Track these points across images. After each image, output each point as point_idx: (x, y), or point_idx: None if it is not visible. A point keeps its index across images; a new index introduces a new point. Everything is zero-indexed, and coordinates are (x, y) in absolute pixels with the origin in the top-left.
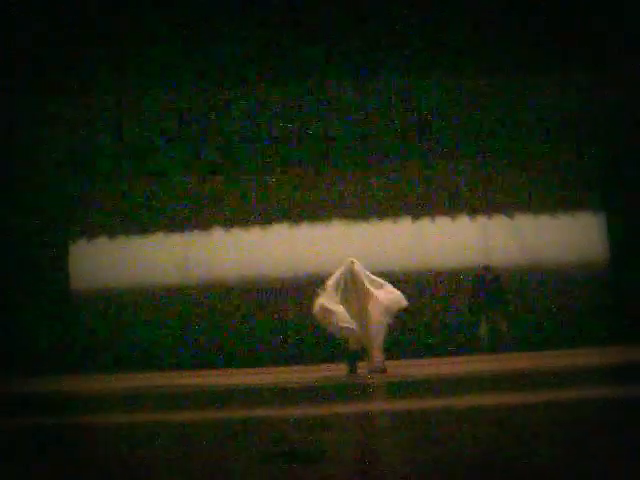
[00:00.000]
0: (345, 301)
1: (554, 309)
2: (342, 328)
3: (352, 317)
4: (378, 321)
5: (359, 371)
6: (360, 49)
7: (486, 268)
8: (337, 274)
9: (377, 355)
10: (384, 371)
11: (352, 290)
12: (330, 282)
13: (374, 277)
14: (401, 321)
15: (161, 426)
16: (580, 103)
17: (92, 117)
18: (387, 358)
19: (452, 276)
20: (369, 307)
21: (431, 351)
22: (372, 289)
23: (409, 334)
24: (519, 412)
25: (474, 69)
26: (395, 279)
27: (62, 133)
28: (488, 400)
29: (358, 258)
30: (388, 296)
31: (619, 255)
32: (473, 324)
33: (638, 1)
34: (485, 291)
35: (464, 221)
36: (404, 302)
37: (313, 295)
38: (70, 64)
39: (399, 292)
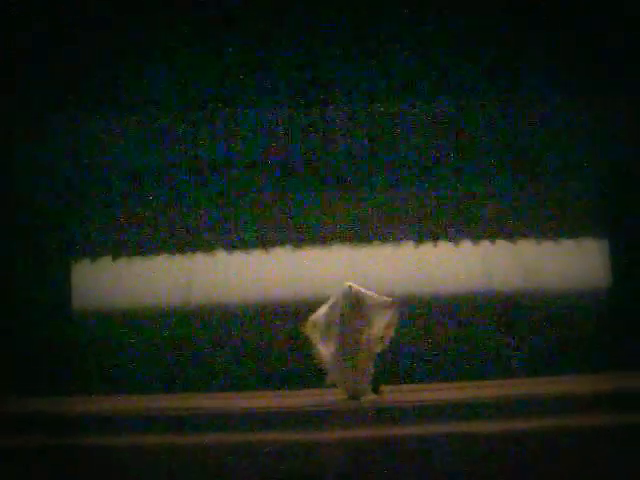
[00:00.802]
0: (332, 332)
1: (555, 335)
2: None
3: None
4: (369, 349)
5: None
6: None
7: (508, 299)
8: (331, 302)
9: (361, 380)
10: (367, 394)
11: (347, 317)
12: (322, 311)
13: (370, 294)
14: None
15: (154, 449)
16: (586, 128)
17: (97, 135)
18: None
19: (456, 300)
20: (363, 334)
21: (447, 375)
22: (369, 315)
23: (411, 359)
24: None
25: (475, 87)
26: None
27: (67, 150)
28: (465, 428)
29: (358, 281)
30: (382, 321)
31: (620, 281)
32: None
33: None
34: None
35: (467, 245)
36: (393, 307)
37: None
38: (71, 79)
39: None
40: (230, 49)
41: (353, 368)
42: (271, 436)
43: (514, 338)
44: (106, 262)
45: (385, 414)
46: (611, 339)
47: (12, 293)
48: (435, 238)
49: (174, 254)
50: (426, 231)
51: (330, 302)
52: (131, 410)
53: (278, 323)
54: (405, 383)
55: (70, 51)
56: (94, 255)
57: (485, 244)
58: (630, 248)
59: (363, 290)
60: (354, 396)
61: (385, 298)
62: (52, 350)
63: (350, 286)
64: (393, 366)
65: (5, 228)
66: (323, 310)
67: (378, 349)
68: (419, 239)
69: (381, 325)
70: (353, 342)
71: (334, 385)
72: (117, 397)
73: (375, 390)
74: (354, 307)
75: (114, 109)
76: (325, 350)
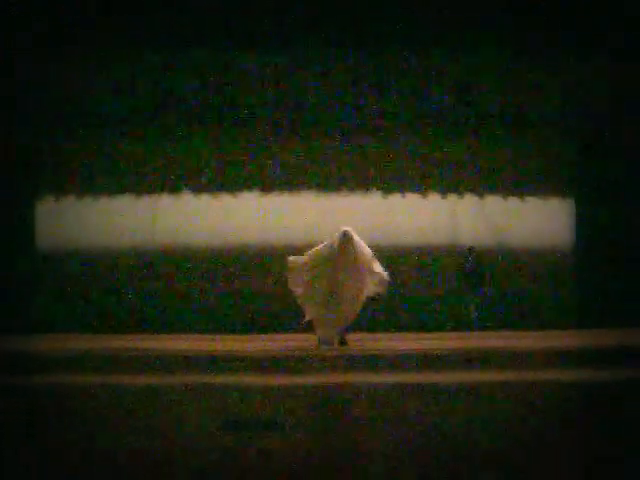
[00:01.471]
0: (320, 275)
1: (519, 291)
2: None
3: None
4: (352, 299)
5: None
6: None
7: (470, 249)
8: (324, 245)
9: (338, 328)
10: (341, 343)
11: (338, 262)
12: (312, 252)
13: (366, 250)
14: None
15: (118, 389)
16: (559, 91)
17: (64, 74)
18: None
19: (421, 253)
20: (350, 284)
21: (409, 326)
22: (359, 267)
23: (383, 309)
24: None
25: (456, 50)
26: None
27: (34, 86)
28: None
29: (326, 230)
30: (371, 281)
31: (584, 241)
32: (459, 302)
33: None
34: (469, 271)
35: (435, 199)
36: (382, 287)
37: (284, 263)
38: (50, 14)
39: (384, 274)
40: None
41: (335, 315)
42: (232, 379)
43: (476, 292)
44: (70, 202)
45: (351, 362)
46: (571, 297)
47: None
48: (403, 191)
49: (140, 195)
50: (397, 183)
51: (323, 245)
52: (93, 349)
53: (244, 267)
54: (365, 332)
55: None
56: (59, 194)
57: (453, 199)
58: (595, 209)
59: (361, 242)
60: (325, 342)
61: (381, 270)
62: (15, 288)
63: (346, 232)
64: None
65: None
66: (313, 251)
67: (359, 307)
68: (388, 191)
69: (370, 289)
70: (340, 289)
71: (308, 328)
72: (80, 336)
73: (342, 340)
74: (349, 254)
75: (93, 48)
76: (307, 291)
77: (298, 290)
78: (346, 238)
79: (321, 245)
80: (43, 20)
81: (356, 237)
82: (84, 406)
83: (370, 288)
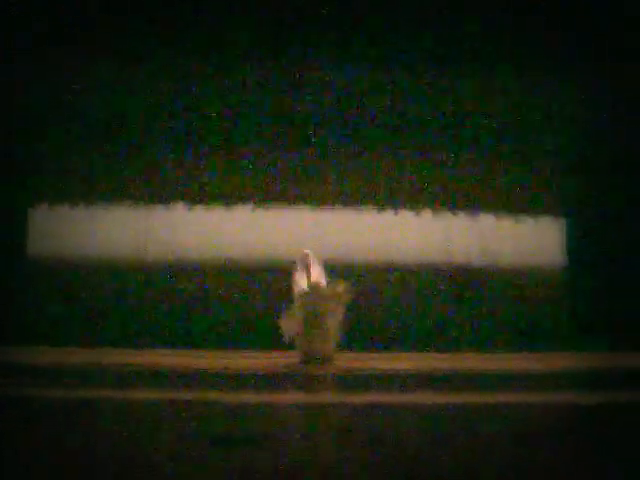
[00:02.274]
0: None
1: (509, 311)
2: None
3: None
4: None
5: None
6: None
7: (460, 269)
8: (299, 270)
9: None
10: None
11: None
12: (301, 283)
13: (321, 271)
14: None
15: (104, 403)
16: (552, 110)
17: (63, 81)
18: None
19: (413, 270)
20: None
21: (398, 345)
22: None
23: (367, 328)
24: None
25: (451, 66)
26: (353, 269)
27: (29, 93)
28: (407, 398)
29: (318, 245)
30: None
31: (575, 261)
32: (450, 321)
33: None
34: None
35: (427, 217)
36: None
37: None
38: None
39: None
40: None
41: (315, 335)
42: (219, 396)
43: (468, 311)
44: (64, 210)
45: (336, 381)
46: (563, 318)
47: None
48: (396, 207)
49: (133, 205)
50: (390, 200)
51: (299, 269)
52: (78, 363)
53: (235, 282)
54: (358, 351)
55: None
56: (51, 203)
57: (445, 216)
58: (588, 229)
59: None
60: (307, 361)
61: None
62: (4, 298)
63: (307, 254)
64: (347, 334)
65: None
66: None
67: (334, 322)
68: (382, 207)
69: (335, 302)
70: (317, 309)
71: (291, 347)
72: (67, 349)
73: (325, 357)
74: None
75: (91, 56)
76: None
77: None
78: (308, 259)
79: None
80: (42, 21)
81: (314, 261)
82: (67, 420)
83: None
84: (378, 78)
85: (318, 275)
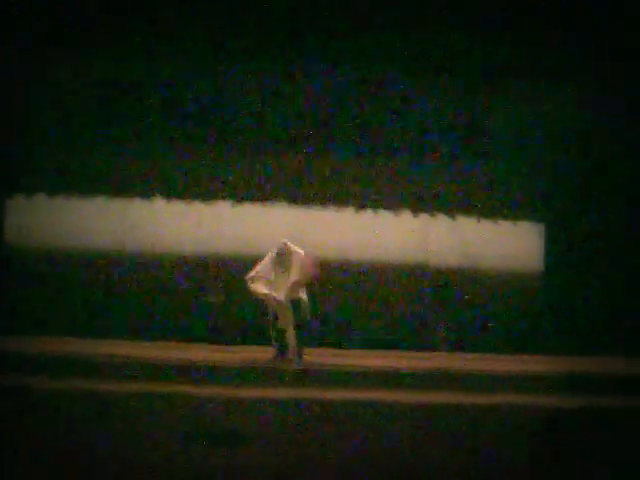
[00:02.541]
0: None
1: (489, 312)
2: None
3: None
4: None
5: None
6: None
7: (438, 270)
8: (267, 259)
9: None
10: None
11: (282, 273)
12: (259, 268)
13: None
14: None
15: (83, 396)
16: (532, 115)
17: (43, 72)
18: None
19: (391, 270)
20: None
21: (375, 344)
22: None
23: (345, 326)
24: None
25: (436, 70)
26: (333, 267)
27: (6, 89)
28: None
29: (296, 242)
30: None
31: (555, 265)
32: (428, 322)
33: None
34: (436, 292)
35: (407, 217)
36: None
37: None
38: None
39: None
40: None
41: (282, 326)
42: (193, 390)
43: (446, 312)
44: (42, 200)
45: (308, 376)
46: (541, 321)
47: None
48: (376, 207)
49: (112, 197)
50: (370, 200)
51: (267, 258)
52: (52, 352)
53: (213, 277)
54: (333, 348)
55: None
56: (29, 192)
57: (425, 218)
58: (568, 233)
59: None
60: (282, 355)
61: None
62: None
63: (285, 243)
64: (322, 331)
65: None
66: (261, 266)
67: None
68: (361, 207)
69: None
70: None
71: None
72: (46, 338)
73: (299, 353)
74: (287, 264)
75: (79, 49)
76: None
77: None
78: (286, 248)
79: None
80: (30, 18)
81: (294, 249)
82: (41, 410)
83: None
84: (362, 82)
85: (297, 264)
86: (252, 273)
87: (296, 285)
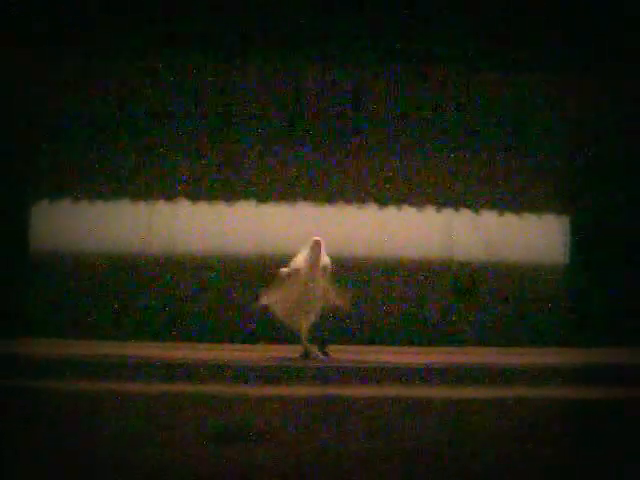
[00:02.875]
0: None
1: (513, 307)
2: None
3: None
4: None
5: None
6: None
7: (462, 265)
8: (304, 254)
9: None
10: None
11: (311, 271)
12: (297, 261)
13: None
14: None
15: (104, 396)
16: (556, 105)
17: (63, 78)
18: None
19: (415, 266)
20: (316, 294)
21: (398, 339)
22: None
23: (367, 322)
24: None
25: (455, 63)
26: (357, 264)
27: (30, 91)
28: (417, 392)
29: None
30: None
31: (580, 259)
32: (452, 317)
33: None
34: (461, 286)
35: (430, 213)
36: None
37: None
38: (45, 22)
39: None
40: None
41: (307, 323)
42: (217, 389)
43: (470, 307)
44: (66, 205)
45: (333, 373)
46: (567, 314)
47: None
48: (399, 204)
49: (136, 200)
50: (393, 196)
51: (303, 253)
52: (80, 354)
53: (237, 277)
54: (357, 345)
55: None
56: (54, 198)
57: (448, 213)
58: (592, 226)
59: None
60: (306, 353)
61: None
62: (7, 291)
63: (317, 241)
64: (346, 327)
65: None
66: (299, 260)
67: (317, 307)
68: (384, 203)
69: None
70: (311, 296)
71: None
72: (71, 341)
73: (323, 350)
74: (316, 262)
75: (93, 52)
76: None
77: (272, 298)
78: (317, 246)
79: (299, 255)
80: (43, 20)
81: (323, 249)
82: (74, 411)
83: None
84: (380, 78)
85: (325, 263)
86: (287, 270)
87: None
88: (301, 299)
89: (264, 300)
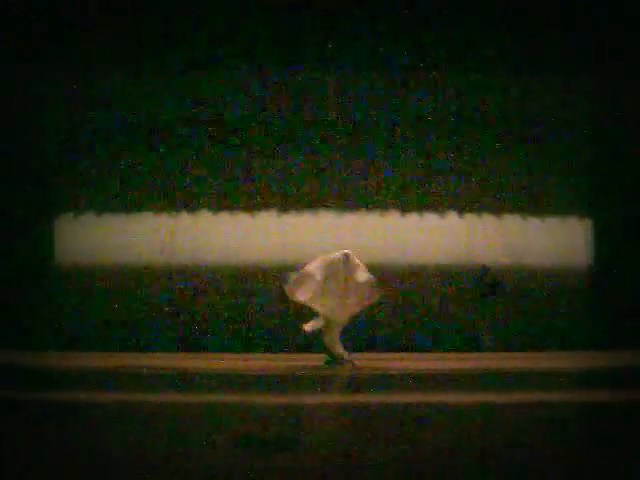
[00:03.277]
0: (325, 290)
1: (537, 311)
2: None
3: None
4: (346, 319)
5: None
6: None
7: (485, 268)
8: (325, 261)
9: (339, 348)
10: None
11: (339, 282)
12: (311, 267)
13: (362, 267)
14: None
15: (135, 407)
16: (575, 106)
17: (84, 93)
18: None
19: (438, 271)
20: (347, 302)
21: (422, 346)
22: (359, 285)
23: (392, 329)
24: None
25: (470, 65)
26: (380, 272)
27: (52, 108)
28: (443, 398)
29: (344, 248)
30: (364, 294)
31: (603, 260)
32: (473, 322)
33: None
34: (484, 291)
35: (452, 218)
36: (375, 298)
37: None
38: (66, 38)
39: (375, 282)
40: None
41: (334, 333)
42: (246, 399)
43: (491, 311)
44: (90, 218)
45: (360, 382)
46: (591, 317)
47: None
48: (421, 209)
49: (159, 212)
50: (414, 202)
51: (319, 263)
52: (105, 367)
53: (260, 286)
54: (382, 352)
55: None
56: (78, 211)
57: (470, 217)
58: (613, 228)
59: (358, 263)
60: (332, 361)
61: (370, 278)
62: (33, 305)
63: (348, 255)
64: (371, 334)
65: None
66: (305, 271)
67: (346, 320)
68: (406, 209)
69: (360, 299)
70: (339, 308)
71: (314, 348)
72: (95, 354)
73: (348, 359)
74: (347, 276)
75: (99, 64)
76: (317, 293)
77: (306, 296)
78: (348, 260)
79: (317, 261)
80: (61, 31)
81: (355, 260)
82: (98, 422)
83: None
84: (403, 82)
85: (362, 272)
86: (293, 278)
87: (355, 312)
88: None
89: (307, 326)
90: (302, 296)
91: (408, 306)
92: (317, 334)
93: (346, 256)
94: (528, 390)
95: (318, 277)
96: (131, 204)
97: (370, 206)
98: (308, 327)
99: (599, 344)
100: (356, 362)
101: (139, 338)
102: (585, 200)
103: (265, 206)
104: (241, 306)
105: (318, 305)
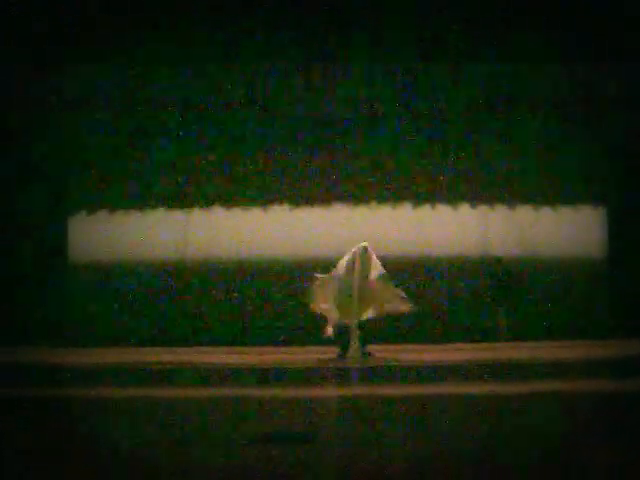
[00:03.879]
0: (349, 287)
1: (551, 301)
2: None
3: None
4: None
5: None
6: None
7: (498, 260)
8: (348, 258)
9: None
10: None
11: (360, 275)
12: (339, 265)
13: (382, 269)
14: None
15: (151, 402)
16: (587, 96)
17: (93, 91)
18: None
19: (451, 263)
20: (368, 299)
21: (436, 337)
22: (380, 284)
23: (409, 320)
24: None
25: (477, 56)
26: (394, 264)
27: (64, 107)
28: (463, 389)
29: (358, 242)
30: (390, 300)
31: (617, 250)
32: (488, 313)
33: None
34: (498, 282)
35: (465, 210)
36: (404, 308)
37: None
38: (69, 37)
39: (403, 295)
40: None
41: (352, 326)
42: (261, 392)
43: (506, 303)
44: (103, 215)
45: (376, 373)
46: (603, 307)
47: (9, 246)
48: (433, 202)
49: (172, 208)
50: (427, 195)
51: (345, 257)
52: (122, 362)
53: (273, 280)
54: (397, 344)
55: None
56: (91, 209)
57: (483, 209)
58: (627, 218)
59: (375, 258)
60: (345, 354)
61: (402, 295)
62: (48, 302)
63: (366, 247)
64: (386, 326)
65: (1, 181)
66: (337, 267)
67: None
68: (418, 202)
69: (394, 307)
70: (358, 301)
71: (330, 341)
72: (111, 350)
73: (364, 351)
74: (362, 269)
75: (107, 61)
76: (332, 302)
77: (324, 305)
78: (366, 252)
79: (343, 260)
80: (73, 30)
81: (372, 253)
82: (114, 417)
83: (394, 306)
84: (413, 74)
85: (376, 267)
86: (317, 282)
87: (374, 312)
88: (343, 303)
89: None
90: (322, 303)
91: (421, 297)
92: (335, 331)
93: (364, 249)
94: (546, 380)
95: (340, 272)
96: (144, 201)
97: (382, 199)
98: (329, 331)
99: (614, 333)
100: (376, 354)
101: (154, 333)
102: (598, 190)
103: (278, 201)
104: (254, 300)
105: (334, 313)
